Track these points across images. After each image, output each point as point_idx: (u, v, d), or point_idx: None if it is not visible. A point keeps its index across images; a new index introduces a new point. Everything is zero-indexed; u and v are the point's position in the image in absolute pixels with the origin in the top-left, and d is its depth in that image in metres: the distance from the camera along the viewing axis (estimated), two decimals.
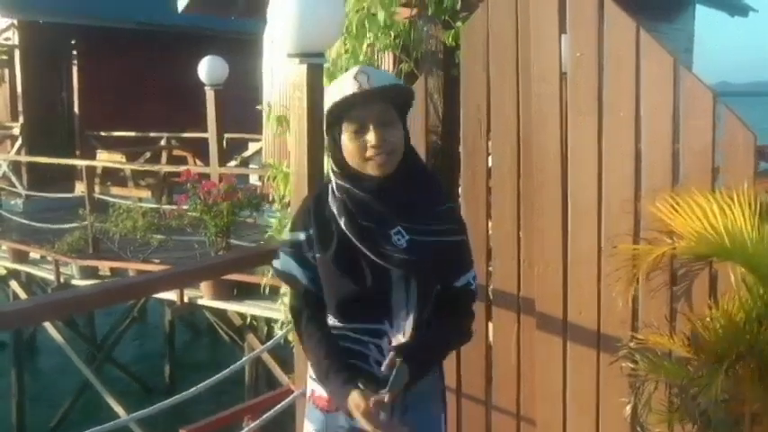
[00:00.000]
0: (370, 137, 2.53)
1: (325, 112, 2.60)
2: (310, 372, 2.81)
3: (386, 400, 2.42)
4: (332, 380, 2.60)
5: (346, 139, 2.57)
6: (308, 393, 2.88)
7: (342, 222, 2.58)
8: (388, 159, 2.56)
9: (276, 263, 2.78)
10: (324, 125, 2.65)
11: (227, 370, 4.54)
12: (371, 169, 2.56)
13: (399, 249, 2.56)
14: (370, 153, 2.54)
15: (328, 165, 4.21)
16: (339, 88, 2.56)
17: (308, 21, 4.41)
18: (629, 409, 3.49)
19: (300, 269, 2.69)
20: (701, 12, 16.47)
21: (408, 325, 2.63)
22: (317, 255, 2.63)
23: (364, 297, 2.61)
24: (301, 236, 2.68)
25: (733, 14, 17.54)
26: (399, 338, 2.63)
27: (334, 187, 2.66)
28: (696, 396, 2.99)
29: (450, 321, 2.75)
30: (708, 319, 3.27)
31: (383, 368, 2.48)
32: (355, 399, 2.48)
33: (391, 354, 2.49)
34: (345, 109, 2.54)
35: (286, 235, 2.80)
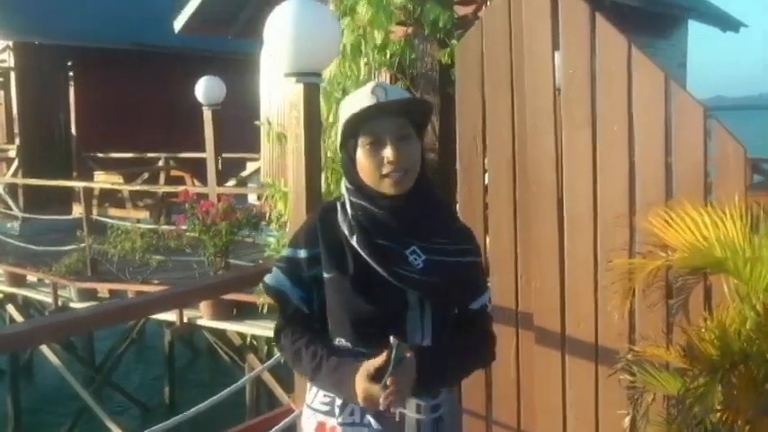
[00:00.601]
0: (387, 152, 2.42)
1: (340, 127, 2.50)
2: (314, 402, 2.65)
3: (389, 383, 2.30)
4: (335, 368, 2.48)
5: (362, 155, 2.46)
6: (313, 426, 2.65)
7: (354, 241, 2.46)
8: (405, 177, 2.45)
9: (268, 278, 2.63)
10: (338, 141, 2.54)
11: (228, 390, 4.57)
12: (387, 187, 2.46)
13: (416, 270, 2.46)
14: (386, 170, 2.43)
15: (332, 181, 4.23)
16: (355, 102, 2.46)
17: (304, 41, 4.46)
18: (627, 420, 3.51)
19: (293, 287, 2.57)
20: (694, 27, 16.58)
21: None
22: (325, 275, 2.50)
23: (379, 319, 2.46)
24: (302, 253, 2.55)
25: (725, 30, 17.61)
26: None
27: (348, 204, 2.54)
28: (692, 406, 3.02)
29: (468, 343, 2.65)
30: (703, 330, 3.30)
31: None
32: (366, 365, 2.38)
33: (393, 339, 2.33)
34: (361, 123, 2.44)
35: (284, 251, 2.64)
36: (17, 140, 18.15)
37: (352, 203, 2.53)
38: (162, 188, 15.27)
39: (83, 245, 11.99)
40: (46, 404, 13.73)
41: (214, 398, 4.45)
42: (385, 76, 6.64)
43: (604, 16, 3.97)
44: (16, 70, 18.06)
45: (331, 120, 5.67)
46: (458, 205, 4.57)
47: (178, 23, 12.74)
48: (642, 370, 3.47)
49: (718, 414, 3.05)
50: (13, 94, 18.15)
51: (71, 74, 18.86)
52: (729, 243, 3.32)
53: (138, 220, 14.05)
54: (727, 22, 17.33)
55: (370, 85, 2.51)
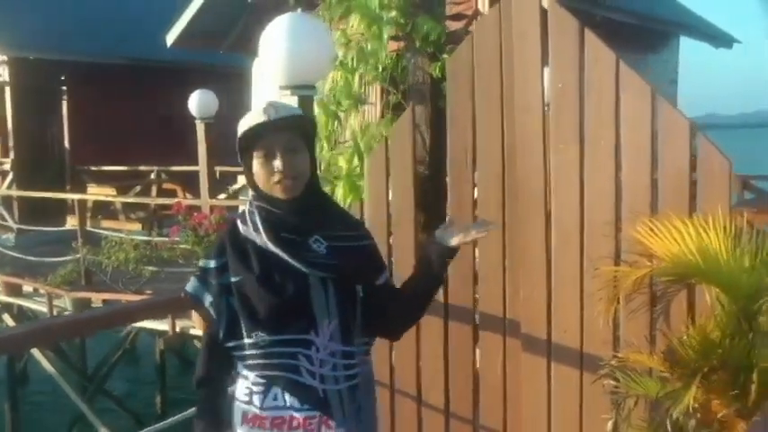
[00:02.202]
0: (277, 163, 2.72)
1: (237, 142, 2.79)
2: (237, 393, 2.85)
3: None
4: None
5: (256, 165, 2.76)
6: (239, 416, 2.85)
7: (263, 237, 2.76)
8: (294, 184, 2.75)
9: (187, 285, 2.93)
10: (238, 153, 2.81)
11: None
12: (278, 192, 2.75)
13: (321, 255, 2.76)
14: (276, 178, 2.73)
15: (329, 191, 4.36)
16: (249, 120, 2.76)
17: (298, 54, 4.56)
18: (610, 425, 3.59)
19: (205, 293, 2.85)
20: (686, 43, 16.63)
21: (331, 331, 2.76)
22: (233, 278, 2.78)
23: (288, 308, 2.74)
24: (212, 263, 2.85)
25: (717, 46, 17.67)
26: (326, 345, 2.75)
27: (250, 209, 2.85)
28: (669, 408, 3.11)
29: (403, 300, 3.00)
30: (684, 336, 3.39)
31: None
32: None
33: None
34: (255, 138, 2.74)
35: (199, 262, 2.98)
36: (11, 154, 18.25)
37: (256, 206, 2.83)
38: (155, 200, 15.34)
39: (77, 256, 12.05)
40: (41, 413, 13.71)
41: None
42: (376, 89, 6.74)
43: (594, 32, 4.06)
44: (10, 85, 18.15)
45: (326, 132, 5.77)
46: (447, 217, 4.64)
47: (170, 37, 12.83)
48: (625, 376, 3.55)
49: (694, 414, 3.14)
50: (8, 108, 18.23)
51: (64, 88, 18.96)
52: (712, 254, 3.40)
53: (130, 232, 14.07)
54: (719, 38, 17.40)
55: (263, 103, 2.81)
